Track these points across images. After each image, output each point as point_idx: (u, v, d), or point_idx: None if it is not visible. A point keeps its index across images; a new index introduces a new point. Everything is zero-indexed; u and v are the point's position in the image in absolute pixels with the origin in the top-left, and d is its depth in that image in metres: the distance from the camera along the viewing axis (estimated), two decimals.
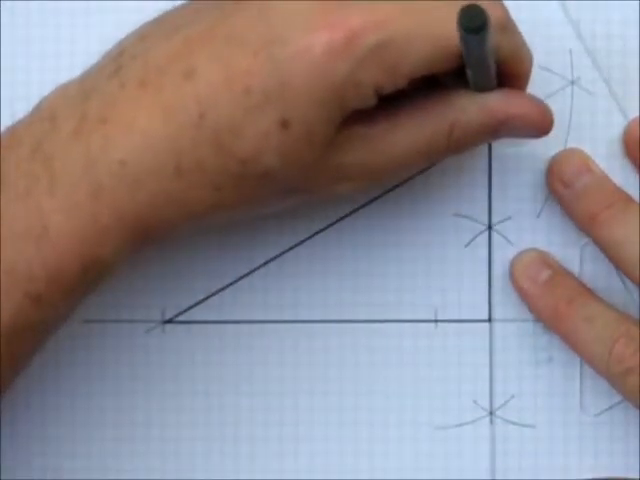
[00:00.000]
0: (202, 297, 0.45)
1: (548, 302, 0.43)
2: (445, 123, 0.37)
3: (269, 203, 0.37)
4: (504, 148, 0.44)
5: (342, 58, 0.34)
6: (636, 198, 0.44)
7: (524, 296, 0.44)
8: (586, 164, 0.43)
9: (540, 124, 0.39)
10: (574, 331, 0.42)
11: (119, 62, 0.36)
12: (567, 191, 0.43)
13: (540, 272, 0.43)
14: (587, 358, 0.43)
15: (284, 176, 0.36)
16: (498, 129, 0.38)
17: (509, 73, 0.38)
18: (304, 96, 0.34)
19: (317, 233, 0.45)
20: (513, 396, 0.45)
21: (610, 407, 0.44)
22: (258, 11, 0.35)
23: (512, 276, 0.44)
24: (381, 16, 0.35)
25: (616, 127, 0.44)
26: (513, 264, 0.44)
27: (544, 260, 0.44)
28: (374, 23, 0.35)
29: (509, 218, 0.45)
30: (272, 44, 0.35)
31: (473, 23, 0.31)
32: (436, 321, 0.45)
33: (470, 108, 0.37)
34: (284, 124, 0.35)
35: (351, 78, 0.35)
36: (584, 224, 0.43)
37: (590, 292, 0.43)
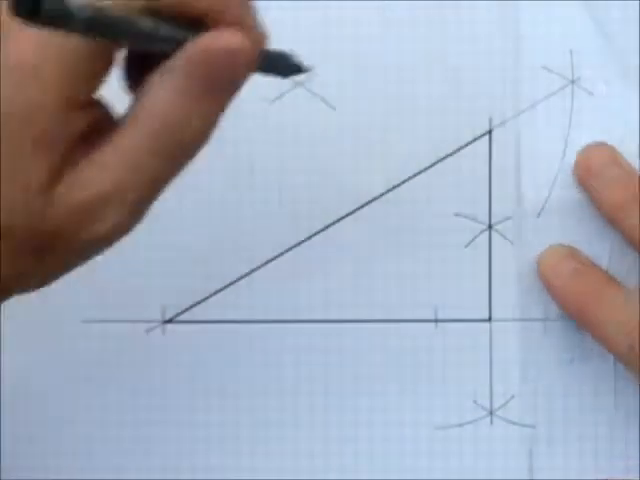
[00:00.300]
0: (202, 297, 0.45)
1: (575, 295, 0.43)
2: (147, 110, 0.32)
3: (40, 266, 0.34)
4: (504, 146, 0.44)
5: (24, 82, 0.31)
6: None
7: (551, 289, 0.44)
8: (615, 157, 0.44)
9: (231, 44, 0.31)
10: (601, 323, 0.42)
11: None
12: (595, 181, 0.43)
13: (567, 265, 0.43)
14: (614, 351, 0.42)
15: (21, 233, 0.32)
16: (208, 79, 0.32)
17: (201, 17, 0.31)
18: None
19: (317, 233, 0.45)
20: (513, 396, 0.45)
21: (610, 407, 0.44)
22: None
23: (538, 270, 0.44)
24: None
25: (616, 127, 0.44)
26: (539, 259, 0.44)
27: (571, 253, 0.44)
28: None
29: (509, 218, 0.45)
30: None
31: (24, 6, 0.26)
32: (436, 321, 0.45)
33: (161, 81, 0.32)
34: None
35: (27, 102, 0.31)
36: (610, 214, 0.43)
37: (617, 283, 0.43)
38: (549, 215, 0.44)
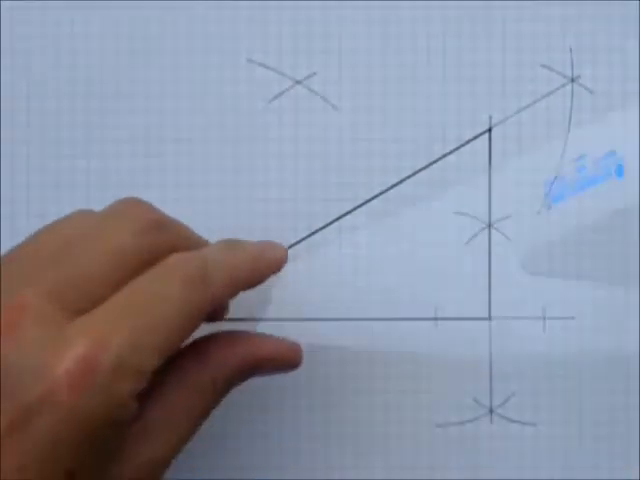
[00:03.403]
0: None
1: None
2: (207, 379, 0.37)
3: None
4: (504, 144, 0.44)
5: (87, 391, 0.32)
6: (636, 196, 0.44)
7: None
8: None
9: (292, 360, 0.39)
10: None
11: None
12: None
13: None
14: None
15: None
16: (253, 371, 0.39)
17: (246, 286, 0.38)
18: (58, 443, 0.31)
19: (317, 231, 0.45)
20: (513, 394, 0.45)
21: (610, 406, 0.44)
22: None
23: None
24: (102, 329, 0.32)
25: (616, 125, 0.44)
26: None
27: None
28: (101, 340, 0.32)
29: (509, 216, 0.45)
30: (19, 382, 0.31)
31: None
32: (436, 319, 0.45)
33: (225, 361, 0.38)
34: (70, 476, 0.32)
35: (105, 405, 0.32)
36: None
37: None
38: (549, 213, 0.44)
